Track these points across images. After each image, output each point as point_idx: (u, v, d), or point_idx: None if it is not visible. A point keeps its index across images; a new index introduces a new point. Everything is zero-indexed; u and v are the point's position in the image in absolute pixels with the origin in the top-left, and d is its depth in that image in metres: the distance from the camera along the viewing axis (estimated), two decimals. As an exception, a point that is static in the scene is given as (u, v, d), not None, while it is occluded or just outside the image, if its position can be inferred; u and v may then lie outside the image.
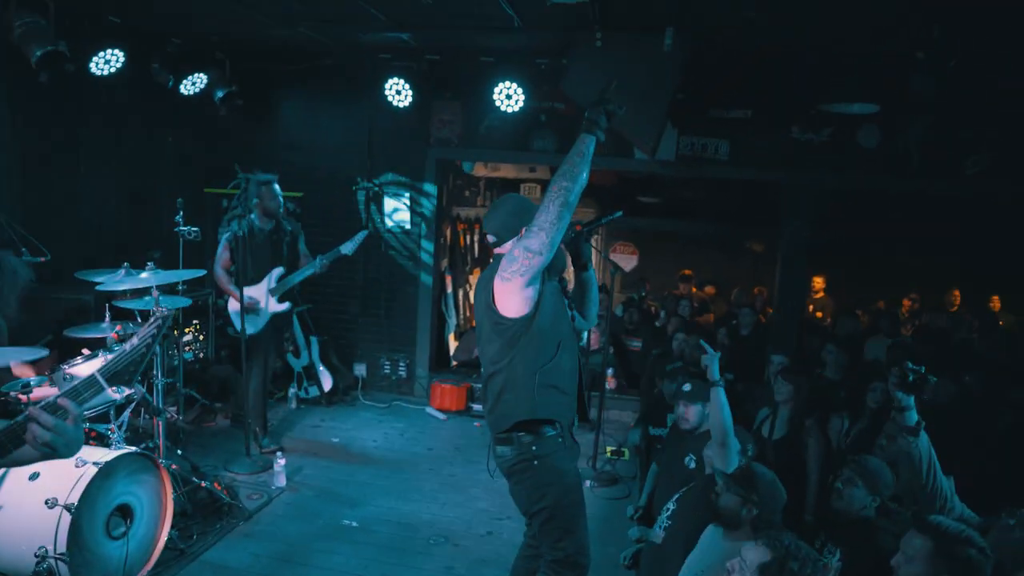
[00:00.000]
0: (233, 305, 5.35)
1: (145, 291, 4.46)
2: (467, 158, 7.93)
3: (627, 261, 11.35)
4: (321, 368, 6.84)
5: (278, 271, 5.36)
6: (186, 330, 6.22)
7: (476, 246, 10.07)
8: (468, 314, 9.37)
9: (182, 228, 5.18)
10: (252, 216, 5.29)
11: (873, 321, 8.06)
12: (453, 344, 8.62)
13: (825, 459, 4.57)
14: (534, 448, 2.77)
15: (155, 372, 4.31)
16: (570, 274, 3.27)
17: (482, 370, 2.95)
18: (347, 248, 5.32)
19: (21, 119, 5.44)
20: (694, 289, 10.06)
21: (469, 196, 9.87)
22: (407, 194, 7.10)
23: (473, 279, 9.62)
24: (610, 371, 7.00)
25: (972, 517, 2.74)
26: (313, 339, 6.83)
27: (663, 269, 10.97)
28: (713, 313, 9.37)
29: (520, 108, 6.25)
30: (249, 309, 5.23)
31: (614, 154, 6.58)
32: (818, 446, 4.48)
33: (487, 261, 11.01)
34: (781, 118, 6.32)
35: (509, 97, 6.23)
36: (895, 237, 9.36)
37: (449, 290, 8.66)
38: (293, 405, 6.73)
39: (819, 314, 9.39)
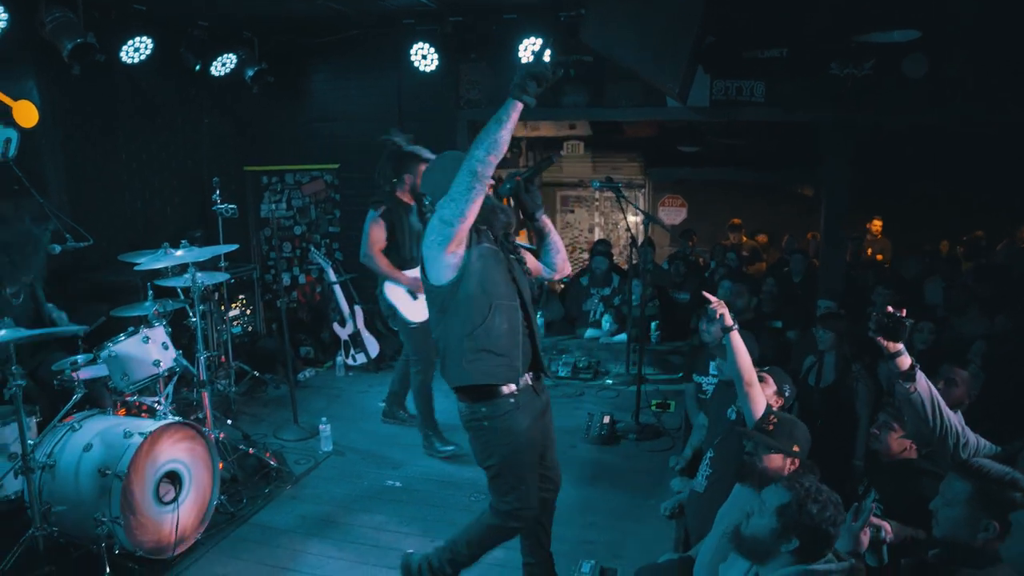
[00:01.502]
0: (395, 292, 4.84)
1: (185, 268, 4.64)
2: None
3: (676, 214, 11.21)
4: (367, 335, 6.92)
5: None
6: (232, 305, 6.39)
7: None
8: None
9: (220, 206, 5.31)
10: (397, 193, 4.85)
11: (930, 262, 7.82)
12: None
13: (875, 404, 4.47)
14: (483, 410, 2.80)
15: (197, 346, 4.50)
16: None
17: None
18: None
19: (60, 111, 5.65)
20: (744, 238, 9.87)
21: (510, 158, 9.85)
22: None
23: (520, 239, 9.61)
24: (654, 324, 6.96)
25: (990, 447, 2.69)
26: (357, 307, 6.91)
27: (714, 220, 10.79)
28: (765, 261, 9.20)
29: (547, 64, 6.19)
30: (419, 291, 4.75)
31: (645, 104, 6.48)
32: (867, 392, 4.40)
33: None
34: (819, 55, 6.09)
35: (535, 54, 6.18)
36: (954, 174, 8.98)
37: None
38: (341, 373, 6.87)
39: (879, 256, 9.15)
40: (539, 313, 7.31)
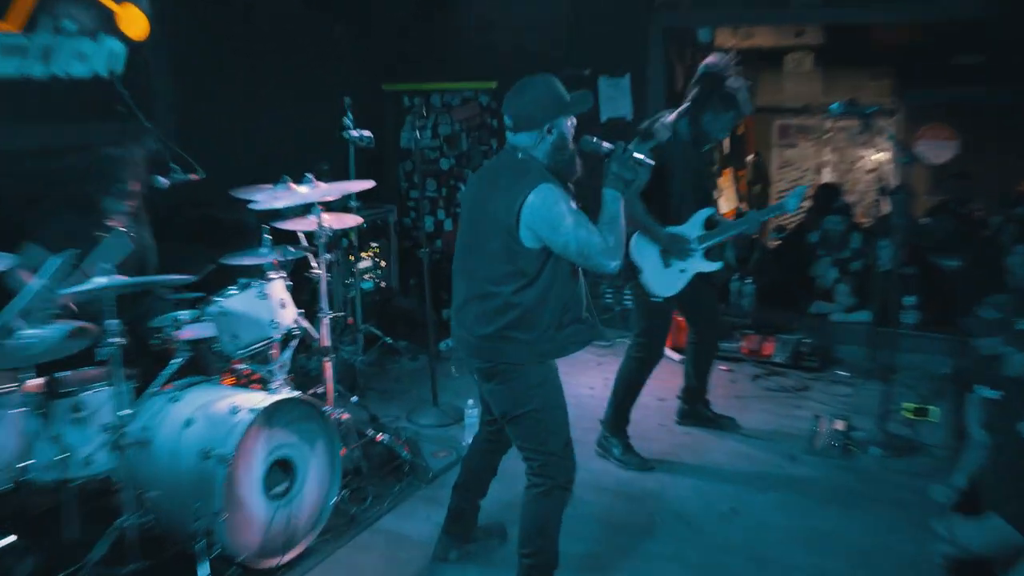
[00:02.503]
0: (644, 252, 4.84)
1: (308, 209, 4.65)
2: (705, 22, 7.63)
3: (941, 151, 10.39)
4: None
5: (706, 212, 4.94)
6: (363, 255, 6.55)
7: (726, 140, 9.75)
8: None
9: (352, 133, 5.33)
10: (684, 123, 4.78)
11: None
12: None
13: None
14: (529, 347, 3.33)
15: (320, 304, 4.49)
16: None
17: (461, 281, 3.45)
18: (791, 204, 4.94)
19: (169, 20, 5.85)
20: None
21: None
22: (627, 76, 7.02)
23: (723, 181, 9.30)
24: (910, 300, 6.64)
25: None
26: None
27: (999, 159, 9.84)
28: None
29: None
30: (674, 252, 4.83)
31: None
32: None
33: (740, 158, 10.77)
34: None
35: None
36: None
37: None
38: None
39: None
40: (748, 281, 7.09)
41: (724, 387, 6.15)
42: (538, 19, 7.16)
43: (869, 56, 10.25)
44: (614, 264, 3.23)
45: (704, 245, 4.85)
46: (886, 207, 5.68)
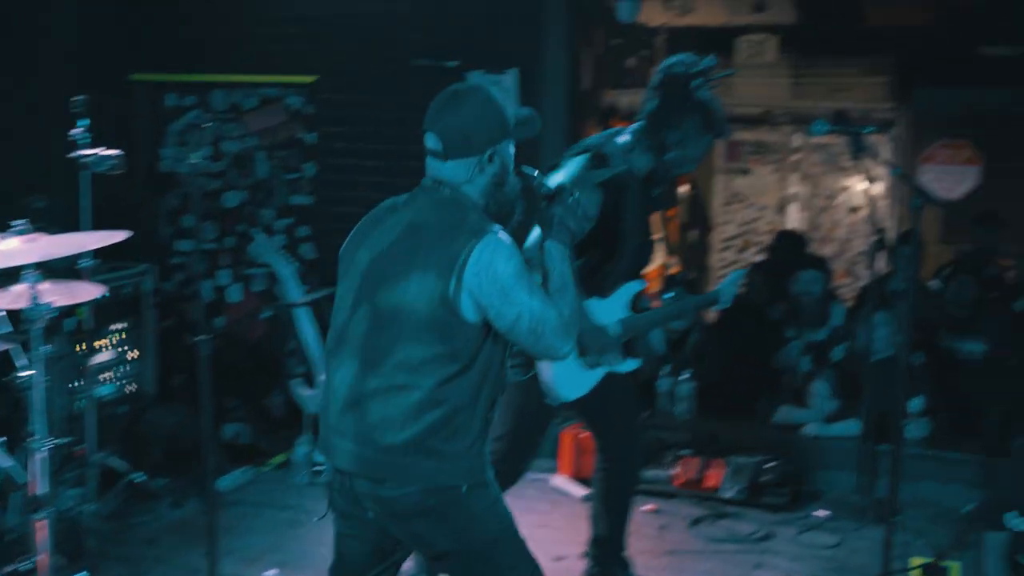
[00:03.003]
0: None
1: (14, 275, 4.47)
2: None
3: (957, 179, 10.81)
4: None
5: (634, 288, 5.03)
6: (99, 343, 6.38)
7: None
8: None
9: (85, 153, 5.24)
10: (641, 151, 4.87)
11: None
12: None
13: None
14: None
15: (31, 426, 4.33)
16: None
17: (349, 369, 3.44)
18: (726, 294, 5.13)
19: None
20: None
21: (636, 68, 9.84)
22: (512, 72, 7.18)
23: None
24: (918, 403, 6.81)
25: None
26: None
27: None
28: None
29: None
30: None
31: None
32: None
33: (672, 194, 10.95)
34: None
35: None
36: None
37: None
38: (303, 478, 6.83)
39: None
40: (684, 376, 7.28)
41: (650, 537, 6.15)
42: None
43: (860, 42, 10.66)
44: (568, 347, 3.37)
45: (625, 332, 4.93)
46: (882, 265, 5.84)
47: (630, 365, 4.99)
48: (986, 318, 7.55)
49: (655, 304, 5.16)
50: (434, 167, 3.42)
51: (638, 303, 5.00)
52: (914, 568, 5.61)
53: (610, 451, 5.23)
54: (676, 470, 6.78)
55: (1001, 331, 7.43)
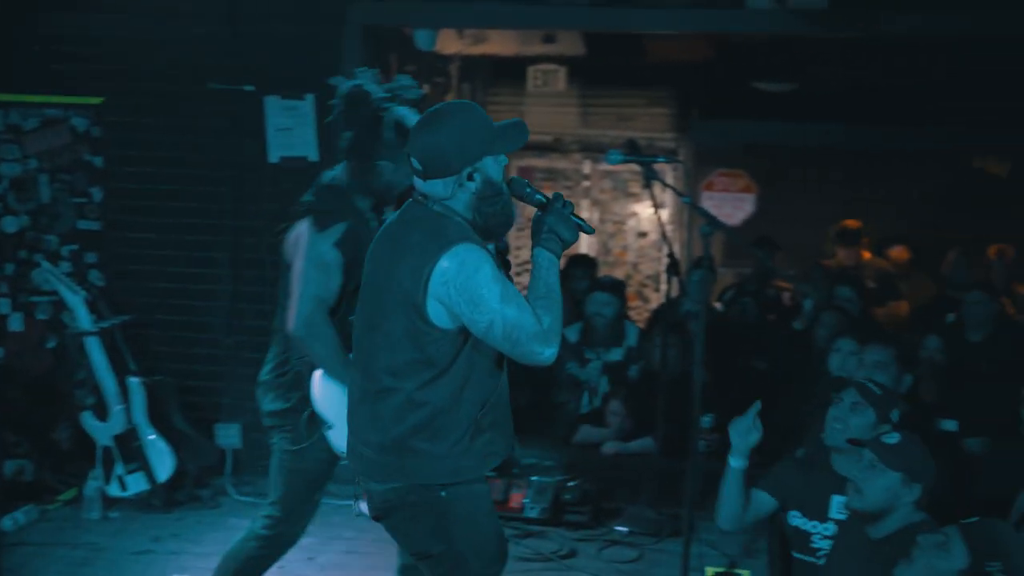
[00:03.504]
0: (329, 394, 4.72)
1: None
2: (426, 23, 7.92)
3: (735, 206, 11.15)
4: (151, 437, 6.82)
5: None
6: None
7: None
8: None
9: None
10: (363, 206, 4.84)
11: None
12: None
13: None
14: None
15: None
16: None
17: (358, 373, 3.74)
18: None
19: None
20: (867, 255, 10.10)
21: (431, 96, 9.78)
22: (309, 98, 7.14)
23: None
24: (707, 420, 6.83)
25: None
26: (134, 381, 6.82)
27: (808, 219, 10.93)
28: (908, 299, 9.37)
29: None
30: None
31: (709, 4, 6.56)
32: None
33: None
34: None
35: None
36: None
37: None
38: (96, 513, 6.67)
39: None
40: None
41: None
42: (178, 4, 7.17)
43: (645, 74, 10.96)
44: (549, 352, 3.42)
45: None
46: (675, 288, 5.97)
47: None
48: (768, 337, 7.86)
49: None
50: (418, 184, 3.55)
51: None
52: (710, 576, 5.85)
53: None
54: (479, 494, 6.77)
55: (782, 349, 7.71)
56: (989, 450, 6.27)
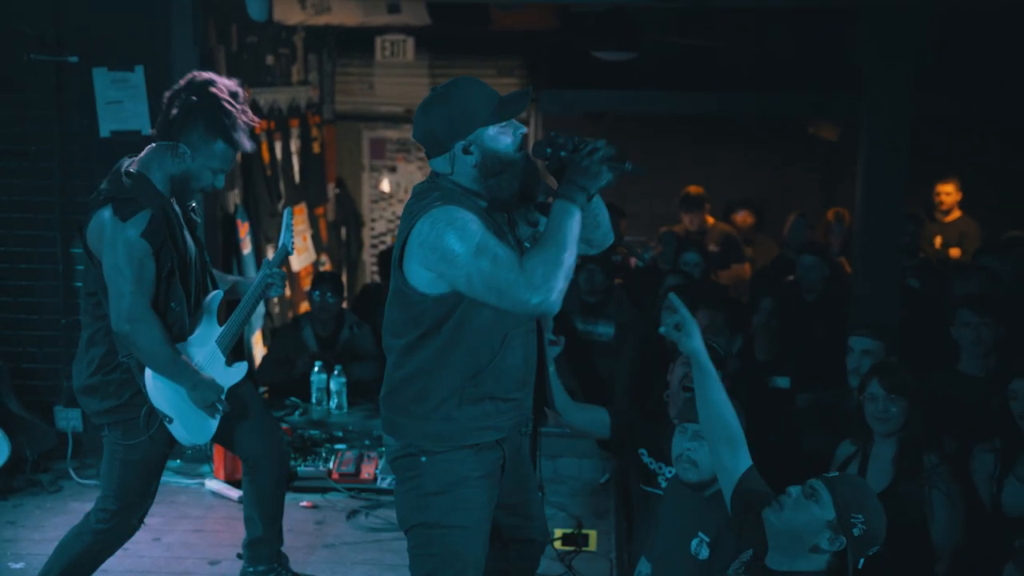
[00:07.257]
0: (164, 392, 4.81)
1: None
2: None
3: None
4: None
5: (215, 297, 5.08)
6: None
7: (296, 161, 10.15)
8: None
9: None
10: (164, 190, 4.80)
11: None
12: (260, 350, 8.66)
13: (963, 525, 4.76)
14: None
15: None
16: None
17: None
18: (288, 240, 5.34)
19: None
20: (711, 220, 10.40)
21: (275, 67, 9.89)
22: (139, 69, 7.09)
23: (297, 222, 9.70)
24: (556, 383, 6.96)
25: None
26: None
27: (656, 187, 11.09)
28: (750, 262, 9.79)
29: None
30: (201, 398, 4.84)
31: None
32: (950, 506, 4.66)
33: (319, 189, 10.95)
34: None
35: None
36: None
37: (247, 249, 8.70)
38: None
39: (954, 251, 9.68)
40: (337, 372, 7.69)
41: (308, 533, 6.27)
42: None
43: (491, 44, 11.11)
44: (536, 299, 3.46)
45: (227, 347, 5.08)
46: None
47: (239, 371, 5.10)
48: (612, 303, 7.96)
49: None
50: (430, 163, 3.72)
51: (222, 310, 5.12)
52: (558, 538, 5.90)
53: (249, 456, 5.30)
54: (331, 465, 6.88)
55: (627, 314, 7.91)
56: (815, 404, 6.44)
